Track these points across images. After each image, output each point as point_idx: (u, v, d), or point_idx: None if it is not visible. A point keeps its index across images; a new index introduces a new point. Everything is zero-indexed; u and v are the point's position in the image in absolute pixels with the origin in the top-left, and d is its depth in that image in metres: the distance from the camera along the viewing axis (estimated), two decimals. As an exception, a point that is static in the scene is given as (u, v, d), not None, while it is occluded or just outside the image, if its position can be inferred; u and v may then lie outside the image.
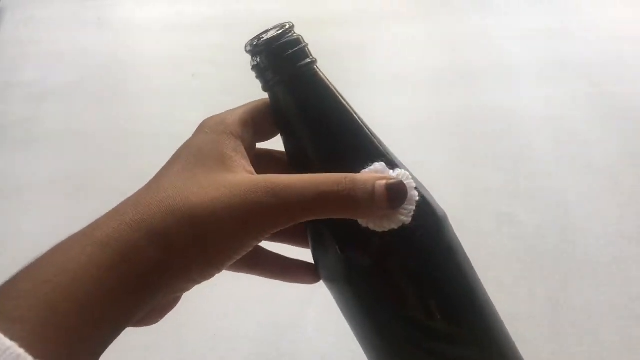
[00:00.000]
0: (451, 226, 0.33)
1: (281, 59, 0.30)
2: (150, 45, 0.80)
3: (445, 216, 0.32)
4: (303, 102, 0.31)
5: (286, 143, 0.32)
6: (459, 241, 0.33)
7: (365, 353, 0.34)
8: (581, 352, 0.43)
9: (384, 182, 0.27)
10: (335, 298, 0.33)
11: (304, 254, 0.34)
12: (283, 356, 0.45)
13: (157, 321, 0.28)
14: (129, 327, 0.26)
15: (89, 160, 0.64)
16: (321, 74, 0.31)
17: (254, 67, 0.31)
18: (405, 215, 0.29)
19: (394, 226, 0.29)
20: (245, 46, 0.31)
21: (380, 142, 0.31)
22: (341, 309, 0.33)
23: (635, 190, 0.56)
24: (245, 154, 0.29)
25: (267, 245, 0.34)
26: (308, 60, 0.30)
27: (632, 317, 0.45)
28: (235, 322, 0.48)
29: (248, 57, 0.32)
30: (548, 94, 0.68)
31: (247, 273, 0.34)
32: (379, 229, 0.29)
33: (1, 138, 0.68)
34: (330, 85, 0.31)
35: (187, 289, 0.27)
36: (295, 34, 0.31)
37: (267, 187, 0.26)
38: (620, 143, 0.61)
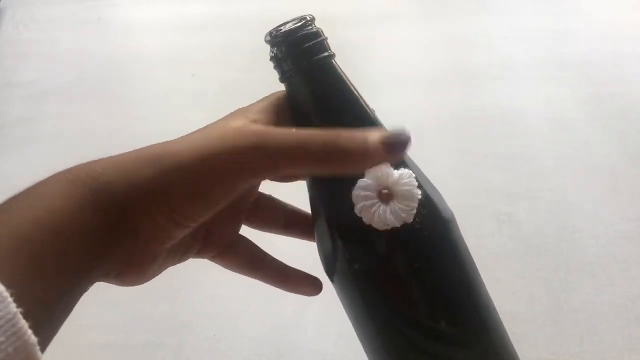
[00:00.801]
0: (457, 228, 0.33)
1: (299, 51, 0.30)
2: (150, 45, 0.80)
3: (451, 218, 0.33)
4: (317, 95, 0.31)
5: None
6: (464, 243, 0.33)
7: (364, 349, 0.34)
8: (581, 352, 0.43)
9: (377, 134, 0.26)
10: (337, 292, 0.33)
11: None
12: (283, 356, 0.45)
13: (135, 280, 0.28)
14: (106, 279, 0.27)
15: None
16: (338, 69, 0.31)
17: (272, 58, 0.31)
18: (407, 213, 0.29)
19: (397, 224, 0.29)
20: (265, 36, 0.31)
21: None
22: (342, 303, 0.33)
23: (635, 190, 0.56)
24: None
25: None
26: (326, 53, 0.30)
27: (632, 317, 0.45)
28: (235, 322, 0.48)
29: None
30: (548, 94, 0.68)
31: (248, 276, 0.34)
32: (380, 227, 0.29)
33: (1, 138, 0.68)
34: (347, 81, 0.31)
35: (160, 241, 0.27)
36: (314, 27, 0.30)
37: (247, 133, 0.26)
38: (620, 143, 0.61)
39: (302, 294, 0.34)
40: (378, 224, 0.29)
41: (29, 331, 0.20)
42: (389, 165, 0.29)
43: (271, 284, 0.34)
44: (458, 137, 0.63)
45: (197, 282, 0.51)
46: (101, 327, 0.48)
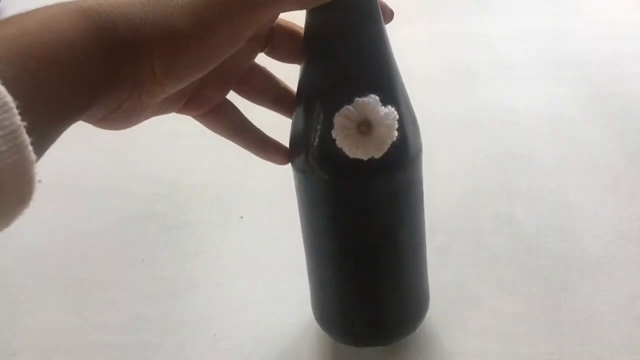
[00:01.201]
0: (420, 163, 0.36)
1: None
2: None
3: (417, 153, 0.35)
4: (347, 10, 0.31)
5: (308, 28, 0.33)
6: (419, 179, 0.36)
7: (305, 247, 0.39)
8: (581, 352, 0.43)
9: None
10: (295, 184, 0.37)
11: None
12: (283, 356, 0.45)
13: (117, 127, 0.28)
14: (90, 120, 0.26)
15: (89, 160, 0.64)
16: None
17: None
18: (377, 151, 0.31)
19: (364, 158, 0.31)
20: None
21: (391, 73, 0.34)
22: (297, 196, 0.37)
23: (635, 190, 0.56)
24: None
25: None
26: None
27: (632, 317, 0.45)
28: (235, 322, 0.48)
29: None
30: (548, 94, 0.68)
31: (230, 139, 0.36)
32: (349, 155, 0.31)
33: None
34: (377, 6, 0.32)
35: (153, 94, 0.27)
36: None
37: None
38: (620, 143, 0.61)
39: (274, 162, 0.37)
40: (347, 152, 0.31)
41: (30, 147, 0.20)
42: (378, 100, 0.31)
43: (249, 150, 0.36)
44: (458, 137, 0.63)
45: (197, 282, 0.51)
46: (101, 327, 0.48)
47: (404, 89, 0.35)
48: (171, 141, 0.63)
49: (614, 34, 0.76)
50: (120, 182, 0.61)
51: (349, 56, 0.32)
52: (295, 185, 0.37)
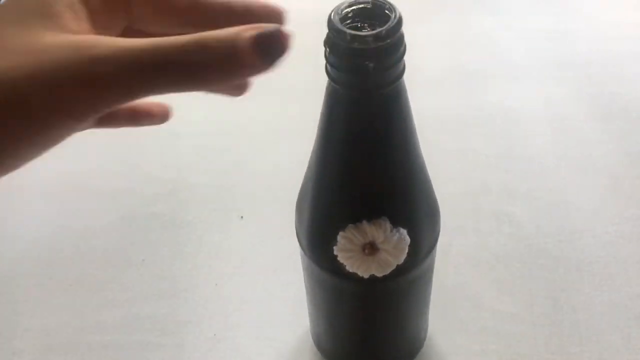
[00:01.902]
0: (435, 250, 0.34)
1: (385, 65, 0.22)
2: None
3: (433, 245, 0.33)
4: (376, 121, 0.25)
5: (323, 135, 0.28)
6: (433, 259, 0.35)
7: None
8: (581, 352, 0.43)
9: (252, 32, 0.19)
10: (302, 264, 0.36)
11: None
12: (283, 356, 0.45)
13: None
14: None
15: (89, 160, 0.64)
16: (404, 92, 0.25)
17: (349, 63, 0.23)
18: (379, 272, 0.29)
19: (363, 275, 0.29)
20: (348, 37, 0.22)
21: (413, 180, 0.29)
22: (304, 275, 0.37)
23: (635, 190, 0.56)
24: (83, 12, 0.22)
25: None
26: (403, 68, 0.23)
27: (632, 317, 0.46)
28: (235, 322, 0.48)
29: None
30: (548, 94, 0.68)
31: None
32: (350, 270, 0.29)
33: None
34: (408, 119, 0.26)
35: None
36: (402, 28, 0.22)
37: (89, 47, 0.19)
38: (620, 143, 0.61)
39: (154, 124, 0.31)
40: (348, 268, 0.29)
41: None
42: (389, 222, 0.27)
43: (120, 127, 0.30)
44: (458, 137, 0.63)
45: (197, 282, 0.51)
46: (101, 327, 0.48)
47: (425, 182, 0.30)
48: (171, 141, 0.63)
49: (614, 34, 0.76)
50: (121, 181, 0.61)
51: (366, 159, 0.27)
52: (300, 253, 0.34)
